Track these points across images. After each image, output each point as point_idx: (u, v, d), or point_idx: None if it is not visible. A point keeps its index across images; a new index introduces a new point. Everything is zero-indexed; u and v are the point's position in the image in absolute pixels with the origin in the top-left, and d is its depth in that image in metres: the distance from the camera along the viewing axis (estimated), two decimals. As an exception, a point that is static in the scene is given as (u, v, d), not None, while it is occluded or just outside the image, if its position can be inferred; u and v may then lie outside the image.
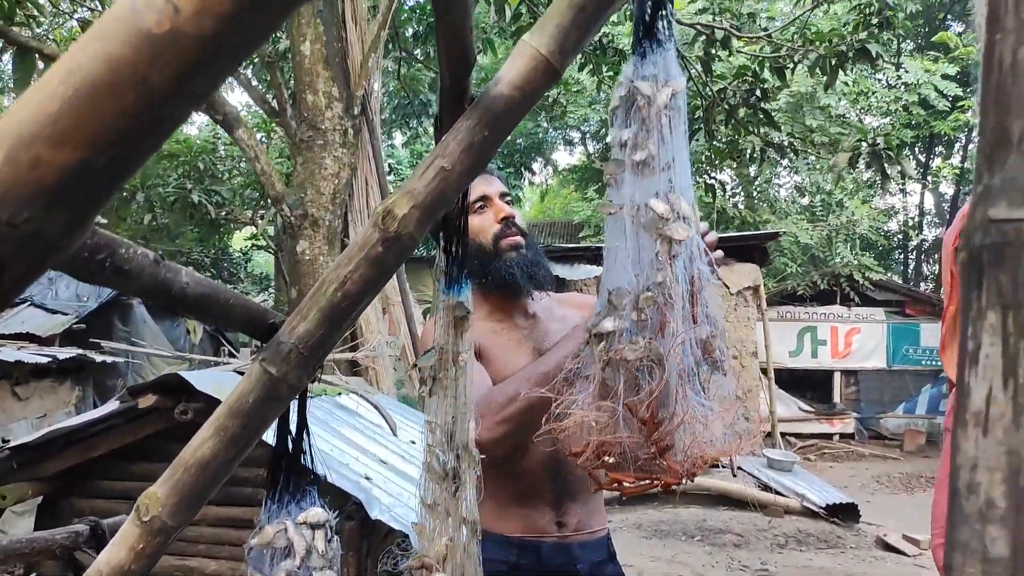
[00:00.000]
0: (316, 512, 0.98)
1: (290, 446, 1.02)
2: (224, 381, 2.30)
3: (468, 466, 0.97)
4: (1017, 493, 0.40)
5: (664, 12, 0.99)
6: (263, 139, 10.71)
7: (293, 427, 1.04)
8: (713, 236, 1.16)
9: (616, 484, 0.98)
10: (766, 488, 7.35)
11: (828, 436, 12.03)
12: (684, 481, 0.93)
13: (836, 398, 12.69)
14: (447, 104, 0.98)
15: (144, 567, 0.89)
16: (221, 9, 0.38)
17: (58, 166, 0.38)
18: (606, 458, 0.94)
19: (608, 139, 1.33)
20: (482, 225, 1.62)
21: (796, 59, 5.49)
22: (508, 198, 1.67)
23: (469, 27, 0.85)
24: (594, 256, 9.32)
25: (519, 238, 1.62)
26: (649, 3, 1.00)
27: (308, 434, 1.01)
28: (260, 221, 10.35)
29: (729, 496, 7.18)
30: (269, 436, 1.13)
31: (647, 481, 0.96)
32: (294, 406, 1.02)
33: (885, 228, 15.79)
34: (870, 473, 9.92)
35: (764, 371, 9.94)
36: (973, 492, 0.42)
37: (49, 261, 0.41)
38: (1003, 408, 0.40)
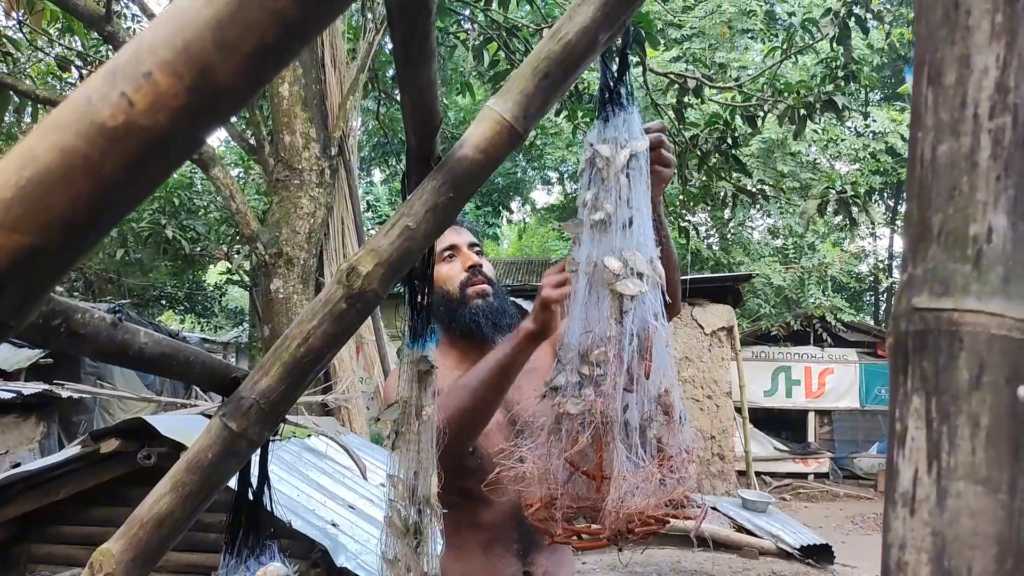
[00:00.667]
0: (275, 567, 0.97)
1: (251, 498, 1.02)
2: (190, 425, 2.26)
3: (430, 520, 0.97)
4: (941, 574, 0.41)
5: (626, 78, 1.03)
6: (240, 175, 10.70)
7: (254, 479, 1.04)
8: (657, 123, 1.19)
9: (569, 536, 0.99)
10: (741, 529, 7.33)
11: (803, 476, 12.07)
12: (625, 539, 0.94)
13: (810, 437, 12.76)
14: (413, 164, 1.00)
15: (96, 627, 0.87)
16: (175, 104, 0.39)
17: (9, 251, 0.39)
18: (554, 511, 0.95)
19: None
20: (450, 273, 1.64)
21: (766, 108, 5.64)
22: (477, 248, 1.70)
23: (434, 94, 0.88)
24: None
25: (486, 286, 1.64)
26: (613, 71, 1.04)
27: (269, 487, 1.00)
28: (236, 256, 10.29)
29: (703, 538, 7.14)
30: (232, 482, 1.12)
31: (596, 538, 0.96)
32: (256, 456, 1.02)
33: (856, 271, 16.07)
34: (844, 513, 9.94)
35: (739, 410, 9.98)
36: (901, 571, 0.43)
37: (-1, 340, 0.42)
38: (928, 490, 0.42)
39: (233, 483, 1.00)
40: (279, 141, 5.34)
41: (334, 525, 2.16)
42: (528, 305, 1.73)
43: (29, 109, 5.12)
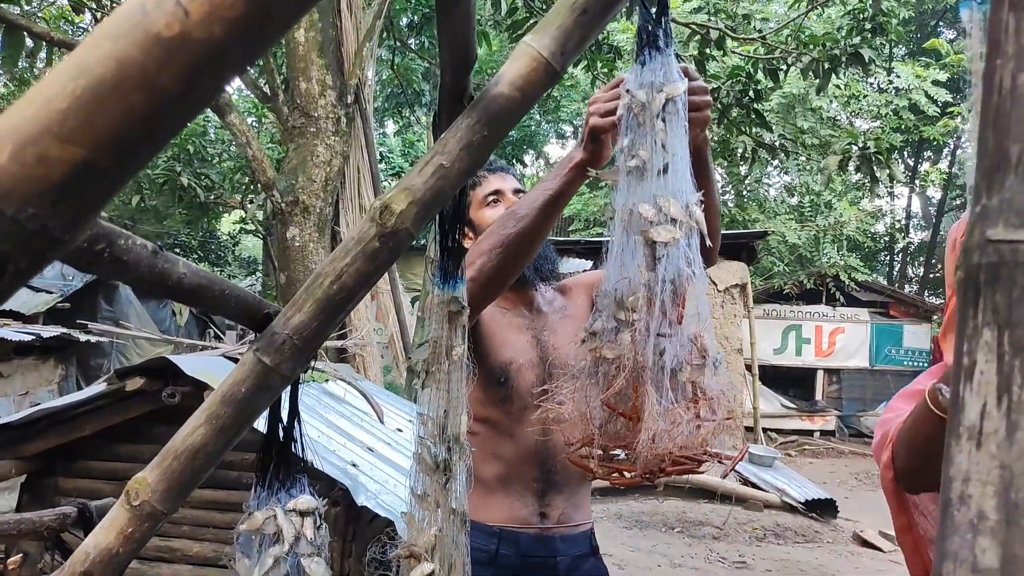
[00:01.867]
0: (306, 499, 0.98)
1: (281, 434, 1.03)
2: (212, 366, 2.29)
3: (459, 458, 0.98)
4: (1008, 506, 0.41)
5: (665, 20, 1.01)
6: (254, 124, 10.63)
7: (284, 415, 1.05)
8: (699, 83, 1.14)
9: (609, 473, 1.01)
10: (746, 482, 7.42)
11: (809, 433, 12.16)
12: (658, 476, 0.95)
13: (818, 396, 12.82)
14: (446, 102, 0.99)
15: (132, 551, 0.89)
16: (231, 14, 0.38)
17: (65, 163, 0.38)
18: (593, 449, 0.96)
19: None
20: (494, 217, 1.65)
21: (790, 61, 5.51)
22: (522, 193, 1.71)
23: (471, 26, 0.86)
24: (584, 250, 9.34)
25: None
26: (651, 13, 1.01)
27: (299, 422, 1.02)
28: (249, 206, 10.28)
29: (709, 490, 7.25)
30: (259, 423, 1.13)
31: (631, 475, 0.98)
32: (285, 394, 1.03)
33: (872, 230, 15.91)
34: (849, 470, 10.04)
35: (748, 367, 10.01)
36: (964, 503, 0.43)
37: (52, 256, 0.41)
38: (997, 424, 0.41)
39: (260, 422, 1.01)
40: (295, 88, 5.28)
41: (354, 466, 2.20)
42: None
43: (43, 53, 5.07)
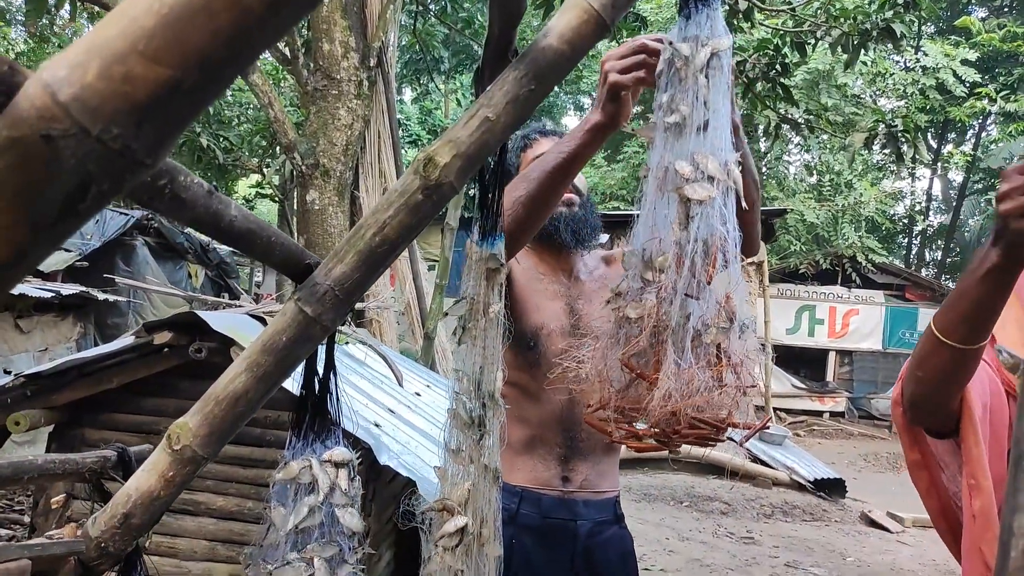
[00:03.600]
0: (341, 451, 0.99)
1: (316, 387, 1.03)
2: (238, 323, 2.31)
3: (493, 415, 0.99)
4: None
5: (713, -28, 0.98)
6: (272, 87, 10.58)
7: (319, 368, 1.05)
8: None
9: (627, 438, 1.00)
10: (756, 460, 7.45)
11: (819, 413, 12.17)
12: (678, 441, 0.95)
13: (829, 377, 12.80)
14: (492, 55, 0.97)
15: (172, 495, 0.91)
16: (323, -69, 0.37)
17: (150, 83, 0.38)
18: (611, 412, 0.96)
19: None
20: None
21: (818, 35, 5.41)
22: None
23: (525, -25, 0.84)
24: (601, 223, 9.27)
25: (572, 195, 1.66)
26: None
27: (335, 375, 1.02)
28: (267, 169, 10.28)
29: (719, 466, 7.28)
30: (287, 381, 1.14)
31: (655, 440, 0.97)
32: (320, 348, 1.03)
33: (891, 211, 15.73)
34: (858, 451, 10.05)
35: (762, 346, 9.99)
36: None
37: (132, 179, 0.41)
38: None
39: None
40: (317, 49, 5.24)
41: (377, 426, 2.23)
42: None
43: (67, 6, 5.05)
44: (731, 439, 1.01)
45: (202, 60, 0.38)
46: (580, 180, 1.68)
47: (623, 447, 1.63)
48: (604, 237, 8.83)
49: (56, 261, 8.24)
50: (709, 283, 0.97)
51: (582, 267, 1.71)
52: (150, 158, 0.40)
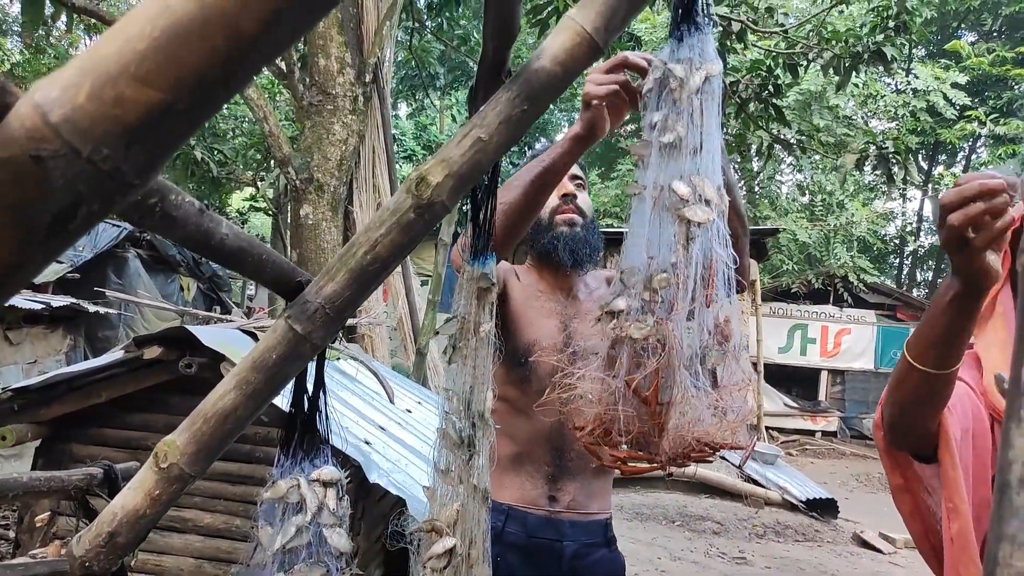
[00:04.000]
0: (329, 470, 0.99)
1: (306, 405, 1.03)
2: (228, 338, 2.30)
3: (483, 435, 0.98)
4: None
5: (704, -3, 1.00)
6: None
7: (309, 386, 1.05)
8: None
9: (617, 462, 0.99)
10: (748, 479, 7.43)
11: (811, 433, 12.16)
12: (679, 463, 0.94)
13: (821, 396, 12.81)
14: (485, 75, 0.98)
15: (159, 514, 0.90)
16: (315, -43, 0.38)
17: (141, 105, 0.38)
18: (611, 436, 0.95)
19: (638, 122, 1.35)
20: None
21: (811, 57, 5.46)
22: (578, 181, 1.72)
23: (519, -2, 0.85)
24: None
25: (575, 216, 1.67)
26: (693, -12, 1.00)
27: (325, 394, 1.02)
28: (261, 183, 10.28)
29: (711, 485, 7.26)
30: (277, 398, 1.13)
31: (645, 463, 0.97)
32: (311, 366, 1.03)
33: (883, 232, 15.83)
34: (850, 471, 10.04)
35: (754, 365, 10.01)
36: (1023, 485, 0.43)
37: (122, 200, 0.41)
38: (1054, 407, 0.41)
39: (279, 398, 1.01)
40: (313, 65, 5.26)
41: (367, 443, 2.21)
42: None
43: (63, 18, 5.06)
44: (727, 460, 1.00)
45: (194, 83, 0.38)
46: (585, 202, 1.71)
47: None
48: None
49: (47, 272, 8.20)
50: (708, 306, 0.97)
51: (582, 287, 1.71)
52: (140, 179, 0.40)
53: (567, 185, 1.68)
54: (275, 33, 0.39)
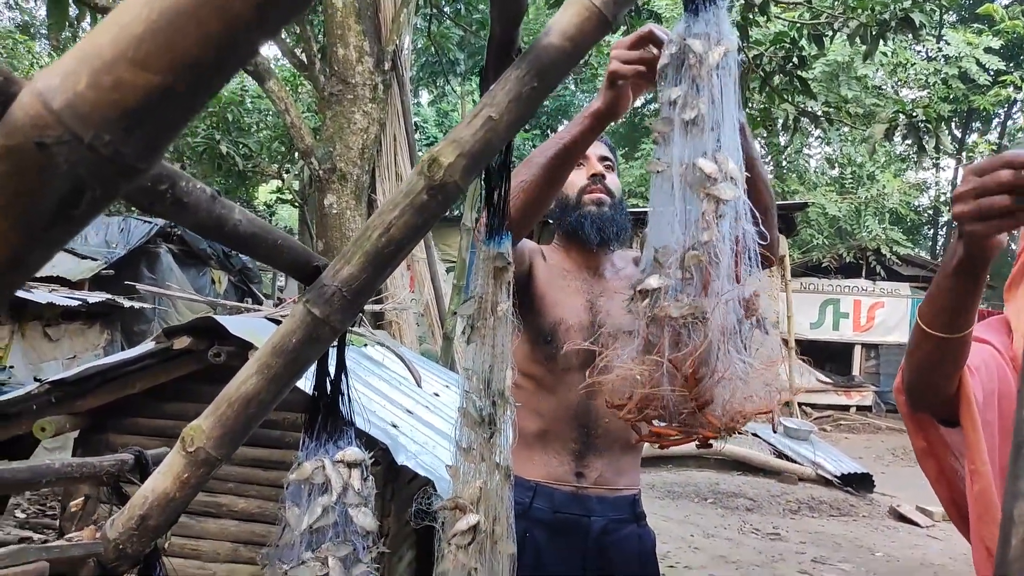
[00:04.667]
0: (353, 451, 1.00)
1: (328, 387, 1.04)
2: (256, 327, 2.34)
3: (503, 413, 0.99)
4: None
5: (719, -31, 0.98)
6: (289, 94, 10.69)
7: (331, 369, 1.06)
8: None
9: (656, 437, 1.00)
10: (781, 455, 7.38)
11: (845, 408, 12.02)
12: (723, 436, 0.94)
13: (855, 371, 12.64)
14: (494, 54, 0.98)
15: (188, 496, 0.92)
16: (304, -65, 0.38)
17: (140, 89, 0.38)
18: (648, 411, 0.95)
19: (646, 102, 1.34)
20: (574, 179, 1.67)
21: (836, 27, 5.35)
22: (608, 162, 1.72)
23: (524, -27, 0.84)
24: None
25: (603, 195, 1.67)
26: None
27: (347, 376, 1.03)
28: (286, 175, 10.37)
29: (743, 462, 7.23)
30: (303, 382, 1.15)
31: (683, 436, 0.97)
32: (332, 349, 1.04)
33: (916, 203, 15.52)
34: (885, 446, 9.92)
35: (785, 341, 9.90)
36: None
37: (125, 184, 0.42)
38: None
39: (302, 381, 1.03)
40: (332, 55, 5.28)
41: (394, 426, 2.24)
42: None
43: (88, 20, 5.13)
44: (759, 437, 1.00)
45: (191, 66, 0.39)
46: (614, 183, 1.71)
47: (644, 445, 1.62)
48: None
49: (83, 270, 8.38)
50: (739, 282, 0.96)
51: (608, 266, 1.71)
52: (142, 163, 0.41)
53: (596, 165, 1.68)
54: (267, 17, 0.39)
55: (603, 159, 1.71)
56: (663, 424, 1.03)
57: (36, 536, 4.08)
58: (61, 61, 0.39)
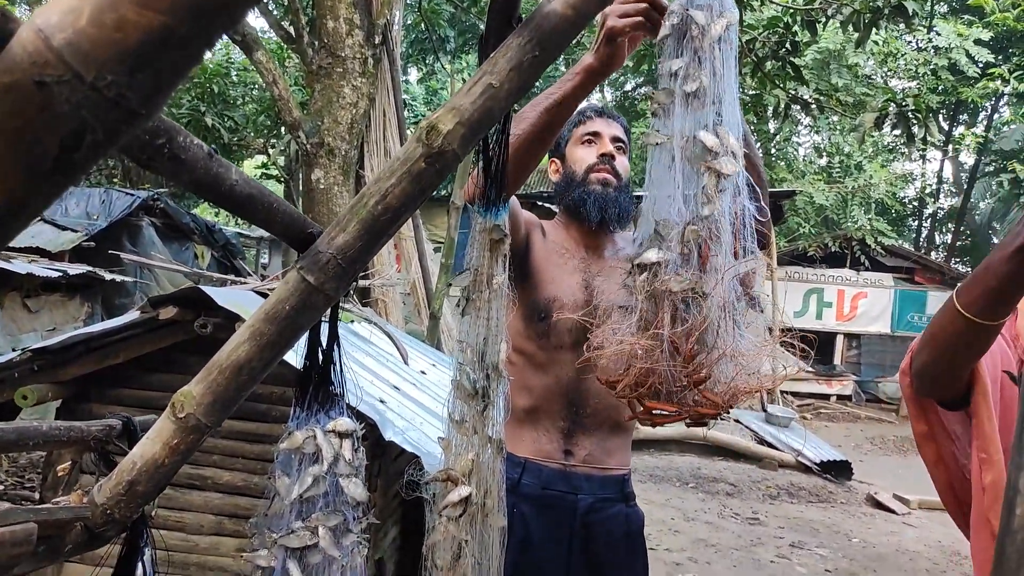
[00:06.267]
0: (344, 421, 0.99)
1: (320, 357, 1.03)
2: (243, 299, 2.31)
3: (497, 386, 0.98)
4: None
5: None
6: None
7: (323, 339, 1.05)
8: None
9: (649, 414, 0.99)
10: (762, 441, 7.46)
11: (825, 397, 12.16)
12: (720, 413, 0.94)
13: (837, 360, 12.77)
14: (495, 23, 0.96)
15: (176, 463, 0.91)
16: None
17: (142, 28, 0.37)
18: (642, 389, 0.94)
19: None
20: (583, 156, 1.66)
21: (829, 13, 5.34)
22: (620, 143, 1.69)
23: (530, -64, 0.83)
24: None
25: (609, 176, 1.65)
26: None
27: (339, 346, 1.02)
28: (271, 150, 10.26)
29: (725, 447, 7.30)
30: (290, 356, 1.13)
31: (678, 413, 0.97)
32: (324, 319, 1.03)
33: (902, 194, 15.61)
34: (864, 434, 10.06)
35: (770, 329, 9.96)
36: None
37: (127, 130, 0.40)
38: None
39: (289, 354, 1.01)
40: (321, 27, 5.20)
41: (382, 402, 2.24)
42: None
43: None
44: (741, 423, 1.00)
45: (192, 6, 0.37)
46: (623, 165, 1.69)
47: (634, 426, 1.62)
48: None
49: (63, 241, 8.26)
50: (736, 258, 0.96)
51: (609, 246, 1.70)
52: (144, 108, 0.40)
53: (607, 145, 1.66)
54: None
55: (615, 139, 1.69)
56: (656, 401, 1.02)
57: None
58: (60, -2, 0.38)
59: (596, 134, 1.67)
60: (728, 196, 0.92)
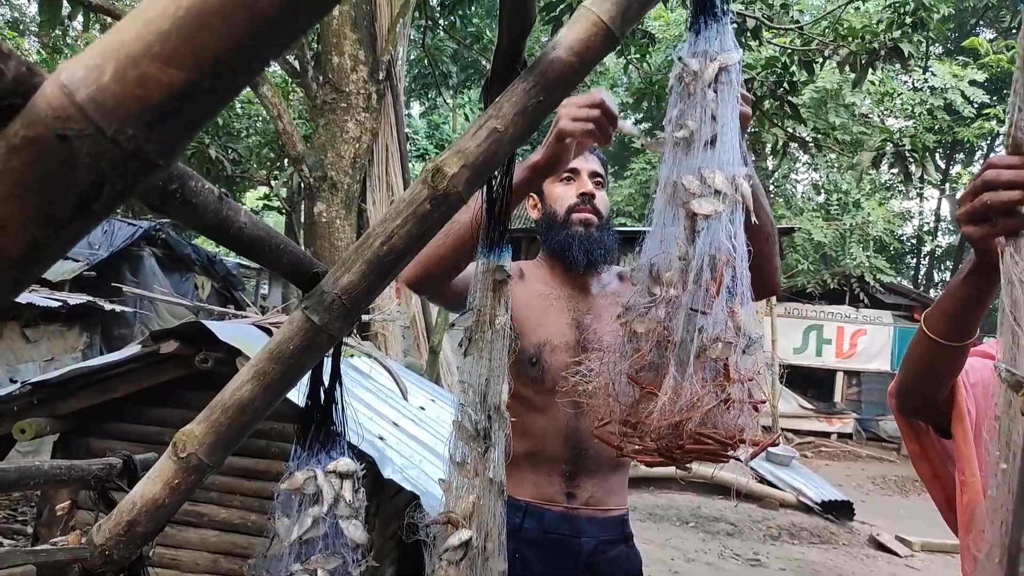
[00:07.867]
0: (345, 462, 0.99)
1: (322, 397, 1.03)
2: (243, 333, 2.31)
3: (499, 428, 0.98)
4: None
5: (723, -14, 0.99)
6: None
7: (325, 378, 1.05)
8: None
9: (636, 454, 0.99)
10: (763, 480, 7.39)
11: (826, 435, 12.06)
12: (683, 458, 0.94)
13: (837, 398, 12.70)
14: (501, 67, 0.98)
15: (177, 503, 0.90)
16: (338, -63, 0.38)
17: (164, 85, 0.38)
18: (627, 431, 0.95)
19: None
20: (563, 194, 1.65)
21: (826, 54, 5.43)
22: (598, 179, 1.69)
23: (536, -13, 0.85)
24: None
25: (591, 216, 1.64)
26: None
27: (341, 386, 1.02)
28: (274, 182, 10.33)
29: (725, 486, 7.22)
30: (292, 393, 1.12)
31: (661, 457, 0.96)
32: (327, 358, 1.03)
33: (900, 232, 15.70)
34: (866, 474, 9.96)
35: (768, 365, 9.93)
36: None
37: (145, 180, 0.41)
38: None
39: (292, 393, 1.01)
40: (326, 62, 5.28)
41: (381, 439, 2.22)
42: None
43: (80, 17, 5.11)
44: (736, 458, 0.99)
45: (216, 63, 0.38)
46: (603, 202, 1.68)
47: (631, 464, 1.61)
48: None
49: (64, 271, 8.28)
50: (716, 297, 0.96)
51: (595, 283, 1.68)
52: (163, 159, 0.41)
53: (586, 183, 1.65)
54: (293, 15, 0.39)
55: (594, 175, 1.67)
56: (640, 446, 1.02)
57: (7, 542, 3.99)
58: (85, 54, 0.39)
59: (575, 171, 1.65)
60: (704, 237, 0.93)
